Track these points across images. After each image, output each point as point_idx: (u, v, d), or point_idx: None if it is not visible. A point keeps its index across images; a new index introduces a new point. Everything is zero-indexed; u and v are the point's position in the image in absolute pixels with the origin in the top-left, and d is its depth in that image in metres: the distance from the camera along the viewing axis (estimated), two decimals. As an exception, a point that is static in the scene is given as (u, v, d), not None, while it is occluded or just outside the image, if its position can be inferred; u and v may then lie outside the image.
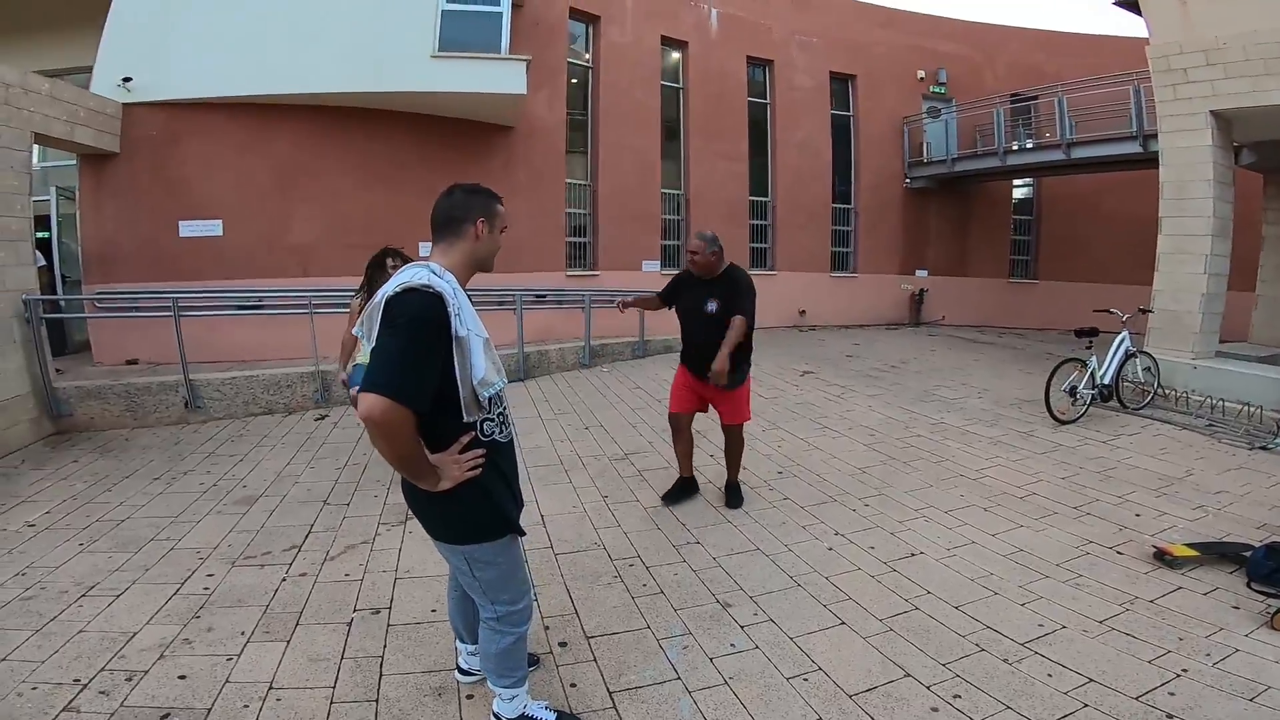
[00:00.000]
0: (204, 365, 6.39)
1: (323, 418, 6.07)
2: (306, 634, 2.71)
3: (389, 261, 4.06)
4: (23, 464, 4.90)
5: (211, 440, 5.44)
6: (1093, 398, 6.02)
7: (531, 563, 3.30)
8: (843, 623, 2.81)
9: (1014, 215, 14.55)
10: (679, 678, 2.44)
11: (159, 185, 7.29)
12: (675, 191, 11.57)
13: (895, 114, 13.28)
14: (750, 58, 12.06)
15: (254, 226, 7.67)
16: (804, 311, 12.48)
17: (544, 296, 8.82)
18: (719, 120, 11.64)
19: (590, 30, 10.67)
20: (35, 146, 6.07)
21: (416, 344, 1.59)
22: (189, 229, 7.40)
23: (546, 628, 2.76)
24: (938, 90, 13.56)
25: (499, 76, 7.82)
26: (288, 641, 2.64)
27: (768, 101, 12.40)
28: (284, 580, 3.15)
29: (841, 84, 13.11)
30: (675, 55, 11.60)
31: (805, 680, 2.43)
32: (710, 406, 3.98)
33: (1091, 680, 2.41)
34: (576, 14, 10.23)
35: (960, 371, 8.31)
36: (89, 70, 7.13)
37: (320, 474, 4.62)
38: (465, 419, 1.74)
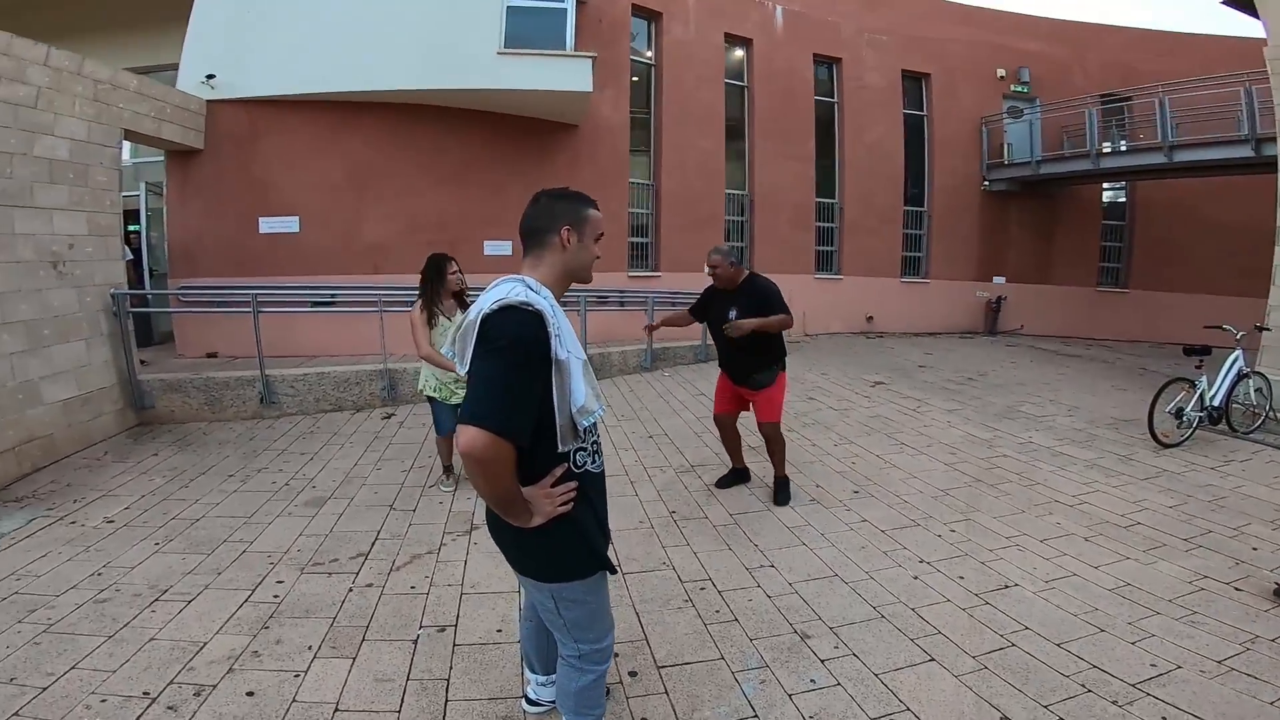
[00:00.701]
0: (278, 360, 6.57)
1: (389, 416, 6.14)
2: (372, 651, 2.65)
3: (451, 266, 4.03)
4: (106, 455, 5.04)
5: (284, 436, 5.56)
6: (1199, 421, 5.50)
7: (598, 581, 3.19)
8: (932, 659, 2.58)
9: (1104, 220, 13.64)
10: (756, 715, 2.27)
11: (241, 181, 7.50)
12: (740, 192, 11.33)
13: (973, 114, 12.69)
14: (817, 55, 11.72)
15: (329, 224, 7.85)
16: (871, 318, 12.04)
17: (606, 298, 8.76)
18: (785, 120, 11.34)
19: (652, 27, 10.55)
20: (125, 142, 6.28)
21: (519, 370, 1.46)
22: (268, 225, 7.60)
23: (616, 655, 2.63)
24: (1020, 89, 12.89)
25: (565, 74, 7.77)
26: (354, 659, 2.58)
27: (835, 101, 12.03)
28: (351, 590, 3.12)
29: (915, 83, 12.59)
30: (739, 53, 11.36)
31: (894, 724, 2.22)
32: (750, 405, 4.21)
33: (1216, 733, 2.12)
34: (639, 10, 10.12)
35: (1046, 386, 7.79)
36: (175, 68, 7.41)
37: (387, 475, 4.64)
38: (560, 449, 1.59)
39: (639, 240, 10.51)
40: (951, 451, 5.21)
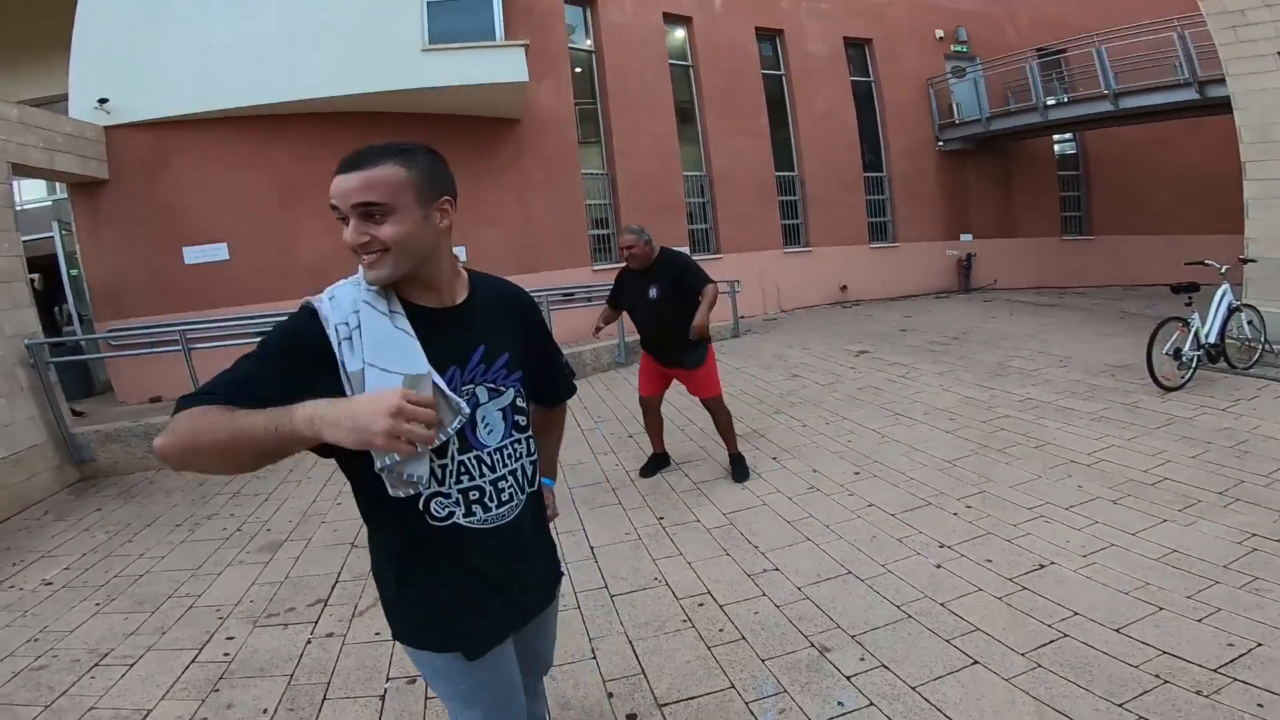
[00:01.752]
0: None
1: (349, 445, 5.68)
2: (335, 712, 2.30)
3: None
4: (45, 515, 4.71)
5: (238, 480, 5.07)
6: (1198, 359, 5.30)
7: (585, 608, 2.83)
8: (975, 661, 2.26)
9: (1059, 171, 13.72)
10: (783, 758, 1.93)
11: (156, 210, 7.00)
12: (698, 173, 11.02)
13: (918, 76, 12.63)
14: (759, 28, 11.47)
15: (262, 247, 7.40)
16: (845, 286, 11.85)
17: (572, 294, 8.37)
18: (735, 96, 11.08)
19: (588, 13, 10.20)
20: (17, 180, 5.84)
21: (250, 357, 1.09)
22: (194, 255, 7.13)
23: (610, 695, 2.27)
24: (959, 49, 12.93)
25: (497, 65, 7.40)
26: (312, 723, 2.21)
27: (783, 73, 11.81)
28: (309, 643, 2.75)
29: (858, 49, 12.48)
30: (680, 33, 11.06)
31: (948, 751, 1.90)
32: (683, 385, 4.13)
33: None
34: (570, -3, 9.73)
35: (1031, 338, 7.59)
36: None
37: (346, 510, 4.20)
38: (391, 493, 1.15)
39: (600, 233, 10.17)
40: (951, 417, 4.93)
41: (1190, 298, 5.40)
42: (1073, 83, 11.59)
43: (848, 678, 2.24)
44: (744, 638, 2.53)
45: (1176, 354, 5.17)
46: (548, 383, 1.45)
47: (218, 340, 6.39)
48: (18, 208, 7.49)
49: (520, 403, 1.28)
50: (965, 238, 12.80)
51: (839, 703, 2.13)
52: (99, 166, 6.71)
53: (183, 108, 6.93)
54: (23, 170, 5.89)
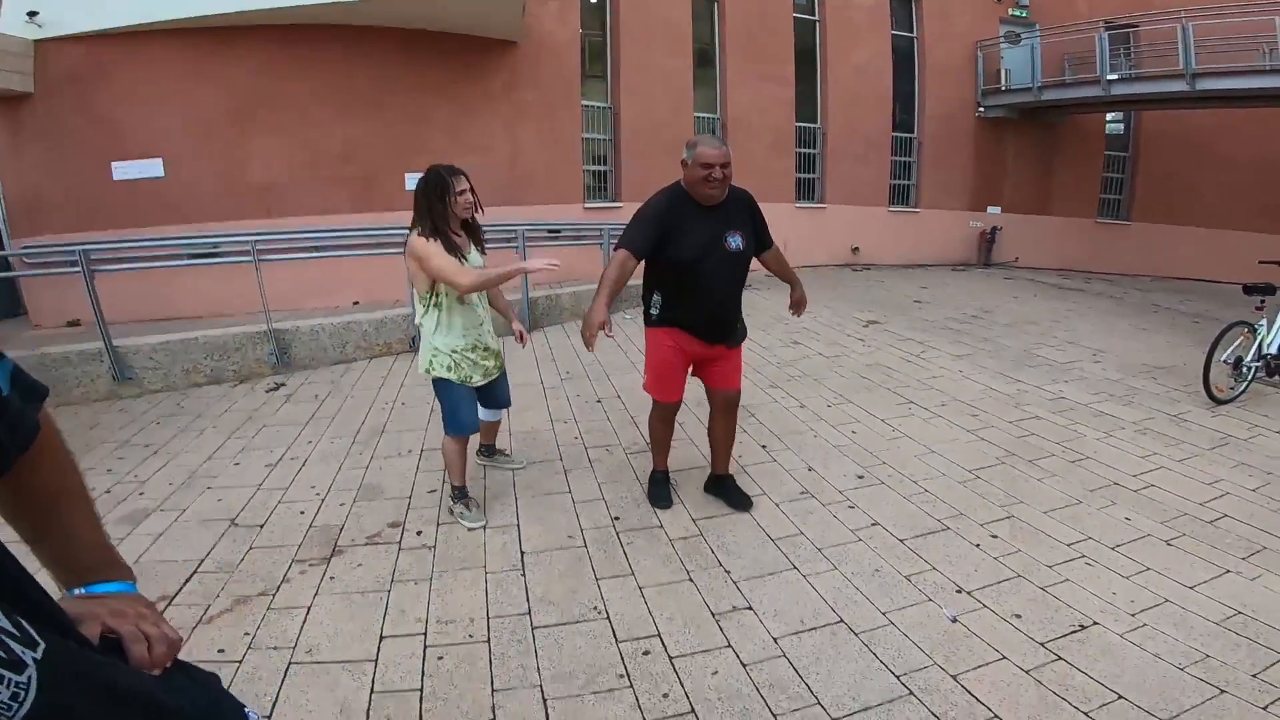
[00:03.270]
0: (147, 327, 5.35)
1: (276, 388, 4.97)
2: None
3: (459, 183, 2.64)
4: None
5: (134, 422, 4.39)
6: (1255, 371, 4.57)
7: (498, 641, 2.17)
8: None
9: (1106, 151, 12.75)
10: None
11: (86, 125, 6.40)
12: (710, 115, 10.07)
13: (968, 38, 11.61)
14: (796, -30, 10.34)
15: (205, 165, 6.66)
16: (857, 249, 11.09)
17: (559, 231, 7.57)
18: (761, 40, 10.08)
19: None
20: None
21: None
22: (123, 170, 6.49)
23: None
24: (1018, 14, 11.84)
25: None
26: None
27: (817, 19, 10.70)
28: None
29: (904, 3, 11.35)
30: (706, -35, 9.94)
31: None
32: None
33: None
34: (587, -87, 8.72)
35: (1058, 325, 6.84)
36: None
37: (244, 473, 3.51)
38: None
39: (597, 168, 9.34)
40: (973, 413, 4.22)
41: (1263, 301, 4.64)
42: (1140, 59, 10.71)
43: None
44: (693, 710, 1.87)
45: (1236, 363, 4.44)
46: None
47: (135, 260, 5.64)
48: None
49: None
50: (993, 210, 11.96)
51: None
52: (23, 80, 6.22)
53: (122, 19, 6.25)
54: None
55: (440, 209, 2.61)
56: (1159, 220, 12.29)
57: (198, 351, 5.05)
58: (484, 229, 2.95)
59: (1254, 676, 1.98)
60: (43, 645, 0.55)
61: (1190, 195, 11.96)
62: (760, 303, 7.58)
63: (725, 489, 3.03)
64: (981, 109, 11.78)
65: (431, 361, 2.76)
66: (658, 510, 3.00)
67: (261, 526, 2.94)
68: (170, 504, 3.18)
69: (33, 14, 6.14)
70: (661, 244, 2.57)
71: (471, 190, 2.69)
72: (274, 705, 1.91)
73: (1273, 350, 4.61)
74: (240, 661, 2.09)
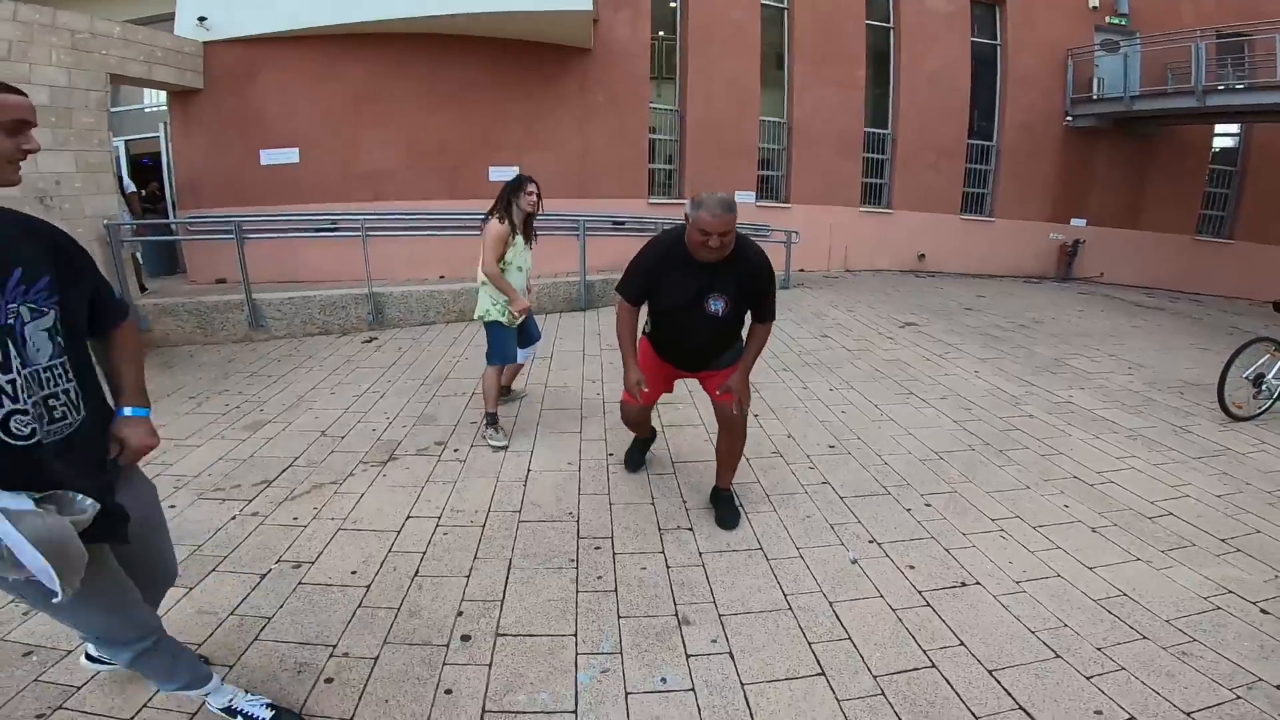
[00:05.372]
0: (276, 285, 6.50)
1: (370, 340, 5.96)
2: (215, 581, 2.47)
3: (529, 186, 3.60)
4: None
5: (261, 359, 5.47)
6: (1278, 391, 4.53)
7: (490, 527, 2.86)
8: (821, 673, 2.07)
9: (1211, 165, 12.02)
10: (574, 712, 1.89)
11: (241, 117, 7.62)
12: (777, 119, 10.35)
13: (1057, 46, 11.27)
14: (872, -23, 10.40)
15: (328, 154, 7.84)
16: (923, 256, 11.05)
17: (623, 223, 8.27)
18: (829, 44, 10.23)
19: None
20: (120, 87, 6.53)
21: None
22: (269, 157, 7.71)
23: (460, 614, 2.30)
24: (1117, 21, 11.31)
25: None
26: (189, 589, 2.39)
27: (891, 25, 10.71)
28: (233, 519, 2.93)
29: (988, 10, 11.12)
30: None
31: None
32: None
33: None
34: (660, -75, 9.24)
35: (1111, 339, 6.79)
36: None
37: (337, 400, 4.44)
38: None
39: (664, 167, 9.92)
40: (966, 407, 4.52)
41: (1294, 317, 4.61)
42: (1252, 71, 10.08)
43: (688, 655, 2.13)
44: (615, 590, 2.48)
45: (1257, 380, 4.46)
46: (98, 309, 1.46)
47: (274, 232, 6.89)
48: (146, 109, 8.74)
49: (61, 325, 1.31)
50: (1078, 222, 11.51)
51: (662, 679, 2.03)
52: (194, 78, 7.40)
53: (271, 25, 7.44)
54: (121, 80, 6.66)
55: (513, 198, 3.60)
56: (1265, 241, 11.45)
57: (313, 308, 6.15)
58: (549, 217, 3.82)
59: (1098, 650, 2.19)
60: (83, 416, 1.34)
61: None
62: (806, 300, 7.97)
63: (718, 502, 3.02)
64: (1070, 118, 11.38)
65: (489, 309, 3.66)
66: (626, 471, 3.43)
67: (342, 438, 3.81)
68: (281, 419, 4.13)
69: (202, 19, 7.32)
70: (650, 290, 2.66)
71: (538, 194, 3.63)
72: (319, 555, 2.65)
73: (1296, 370, 4.57)
74: (305, 526, 2.89)
